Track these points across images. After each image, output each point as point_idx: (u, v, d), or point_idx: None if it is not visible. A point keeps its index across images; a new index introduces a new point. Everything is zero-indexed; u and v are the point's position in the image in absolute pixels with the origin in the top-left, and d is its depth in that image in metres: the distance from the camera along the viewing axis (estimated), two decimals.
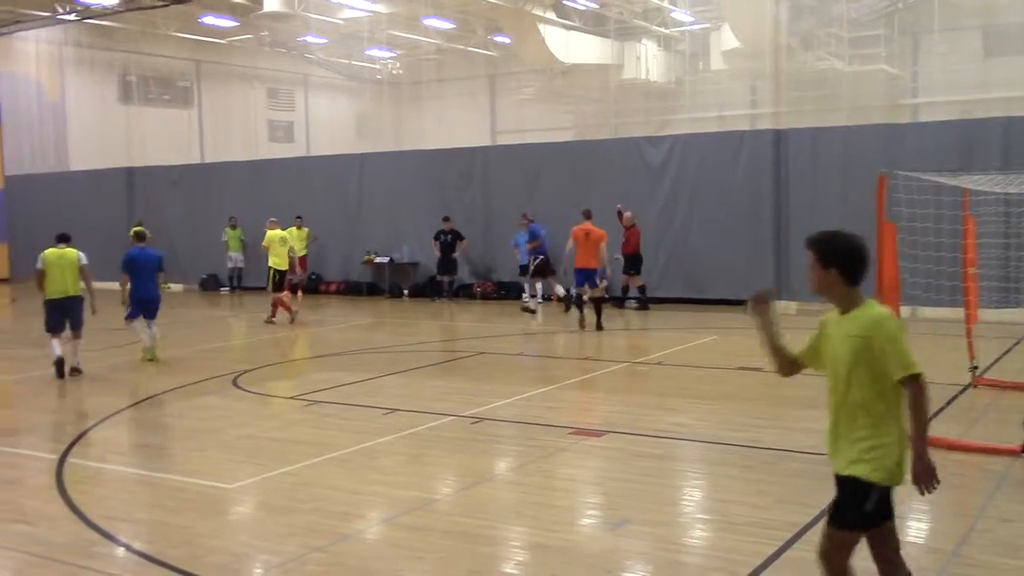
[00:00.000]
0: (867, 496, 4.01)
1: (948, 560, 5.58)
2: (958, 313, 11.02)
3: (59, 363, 12.31)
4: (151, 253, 13.79)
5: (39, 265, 12.55)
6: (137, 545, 6.12)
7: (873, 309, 4.10)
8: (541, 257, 19.08)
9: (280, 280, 17.82)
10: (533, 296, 19.41)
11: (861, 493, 4.03)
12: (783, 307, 18.46)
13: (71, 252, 12.63)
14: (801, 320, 17.14)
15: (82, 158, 29.45)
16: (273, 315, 17.94)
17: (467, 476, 7.68)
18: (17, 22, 28.92)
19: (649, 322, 17.28)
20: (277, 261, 17.70)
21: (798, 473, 7.39)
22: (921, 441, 4.01)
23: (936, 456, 4.04)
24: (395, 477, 7.60)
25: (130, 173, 27.25)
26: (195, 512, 6.76)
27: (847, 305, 4.14)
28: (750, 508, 6.52)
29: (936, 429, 8.40)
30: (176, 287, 25.91)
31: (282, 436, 8.98)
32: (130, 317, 13.67)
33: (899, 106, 26.43)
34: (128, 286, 13.39)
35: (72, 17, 28.83)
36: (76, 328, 12.63)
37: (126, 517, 6.69)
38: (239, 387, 11.55)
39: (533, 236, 19.24)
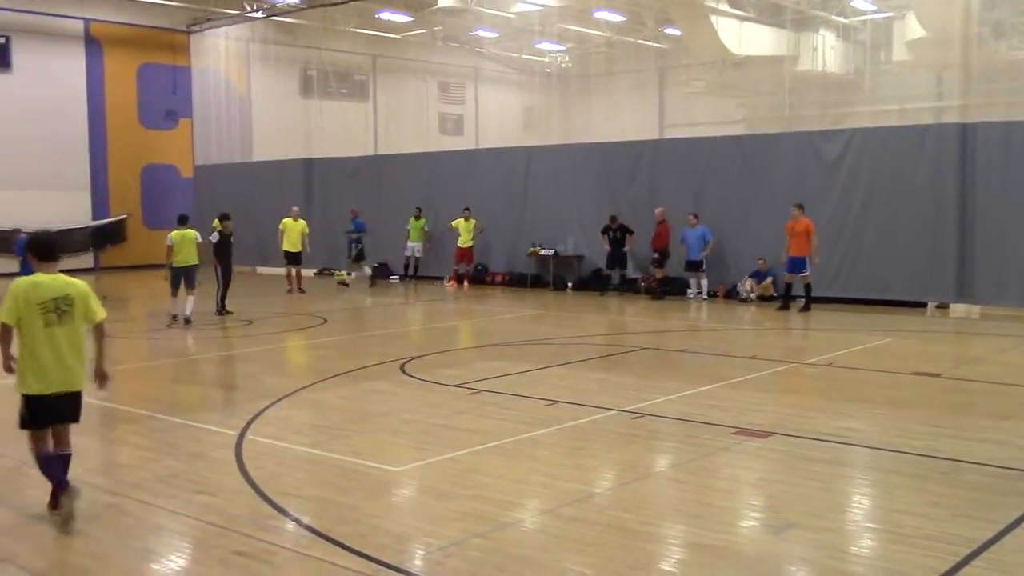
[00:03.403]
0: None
1: None
2: None
3: (174, 316, 16.39)
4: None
5: (169, 242, 16.38)
6: (307, 520, 6.37)
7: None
8: (361, 246, 23.58)
9: (288, 259, 22.47)
10: (698, 290, 20.16)
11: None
12: (965, 311, 17.56)
13: (191, 232, 16.53)
14: (984, 324, 16.42)
15: (265, 149, 30.86)
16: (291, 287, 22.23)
17: (628, 471, 7.64)
18: (209, 20, 30.70)
19: (821, 322, 16.73)
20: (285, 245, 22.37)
21: (978, 486, 6.99)
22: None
23: None
24: (556, 468, 7.63)
25: (308, 164, 28.35)
26: (362, 492, 6.99)
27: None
28: (923, 520, 6.22)
29: None
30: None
31: (446, 422, 9.16)
32: None
33: None
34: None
35: (259, 15, 30.36)
36: (191, 287, 16.37)
37: (298, 493, 6.98)
38: (406, 373, 11.87)
39: (357, 228, 23.50)
